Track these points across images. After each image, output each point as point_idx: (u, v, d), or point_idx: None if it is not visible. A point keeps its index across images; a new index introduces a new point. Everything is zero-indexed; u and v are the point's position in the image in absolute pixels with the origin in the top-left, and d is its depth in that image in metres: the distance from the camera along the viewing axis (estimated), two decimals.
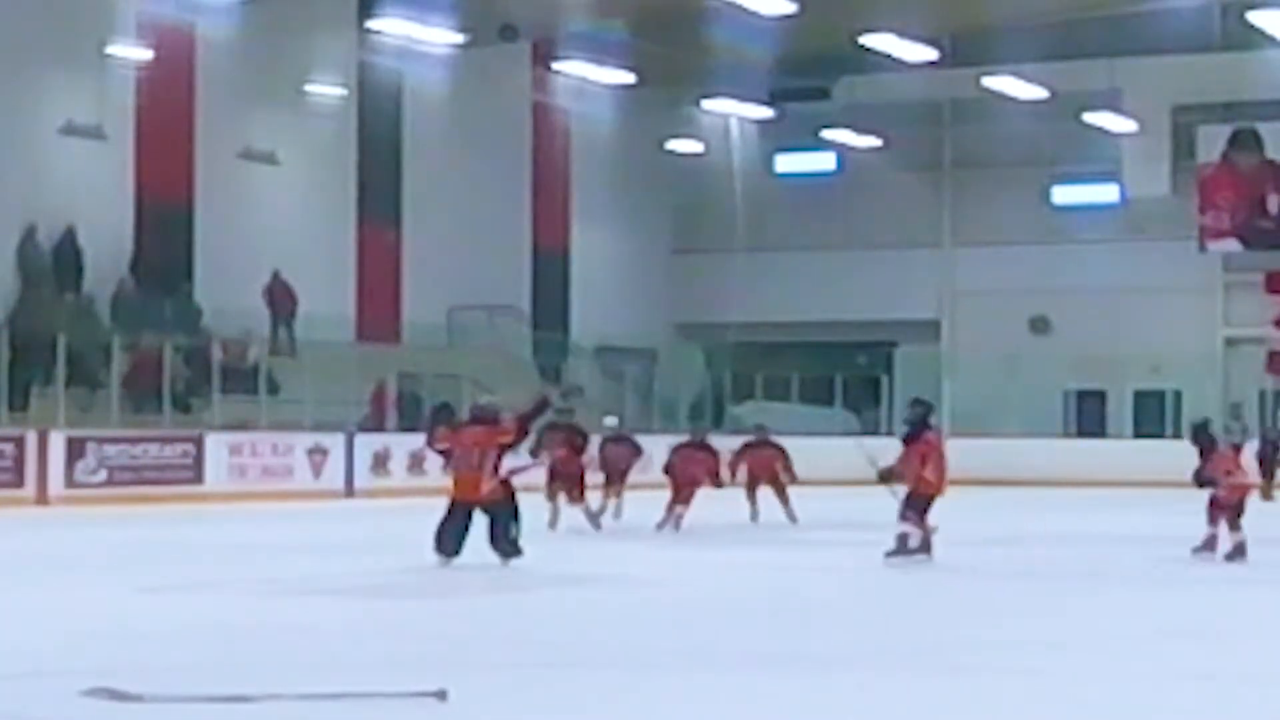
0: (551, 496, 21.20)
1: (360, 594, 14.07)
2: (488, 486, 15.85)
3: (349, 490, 29.69)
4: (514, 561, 15.94)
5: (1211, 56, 39.87)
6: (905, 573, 16.32)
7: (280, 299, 33.46)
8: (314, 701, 8.43)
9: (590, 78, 37.53)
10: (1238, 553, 16.97)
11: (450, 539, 15.87)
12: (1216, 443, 17.77)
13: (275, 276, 33.48)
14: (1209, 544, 17.27)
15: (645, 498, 22.19)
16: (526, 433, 17.25)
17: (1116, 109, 40.27)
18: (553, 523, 20.74)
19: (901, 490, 16.77)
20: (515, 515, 16.30)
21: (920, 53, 34.93)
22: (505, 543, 15.90)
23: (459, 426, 16.77)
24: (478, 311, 38.20)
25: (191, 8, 31.61)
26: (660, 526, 21.15)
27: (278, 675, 9.21)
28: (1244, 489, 17.46)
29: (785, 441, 24.30)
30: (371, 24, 33.24)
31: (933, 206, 45.21)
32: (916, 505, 16.70)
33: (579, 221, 42.59)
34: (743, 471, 23.61)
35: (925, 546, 16.75)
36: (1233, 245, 41.53)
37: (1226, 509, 17.14)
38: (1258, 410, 39.17)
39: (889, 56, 35.21)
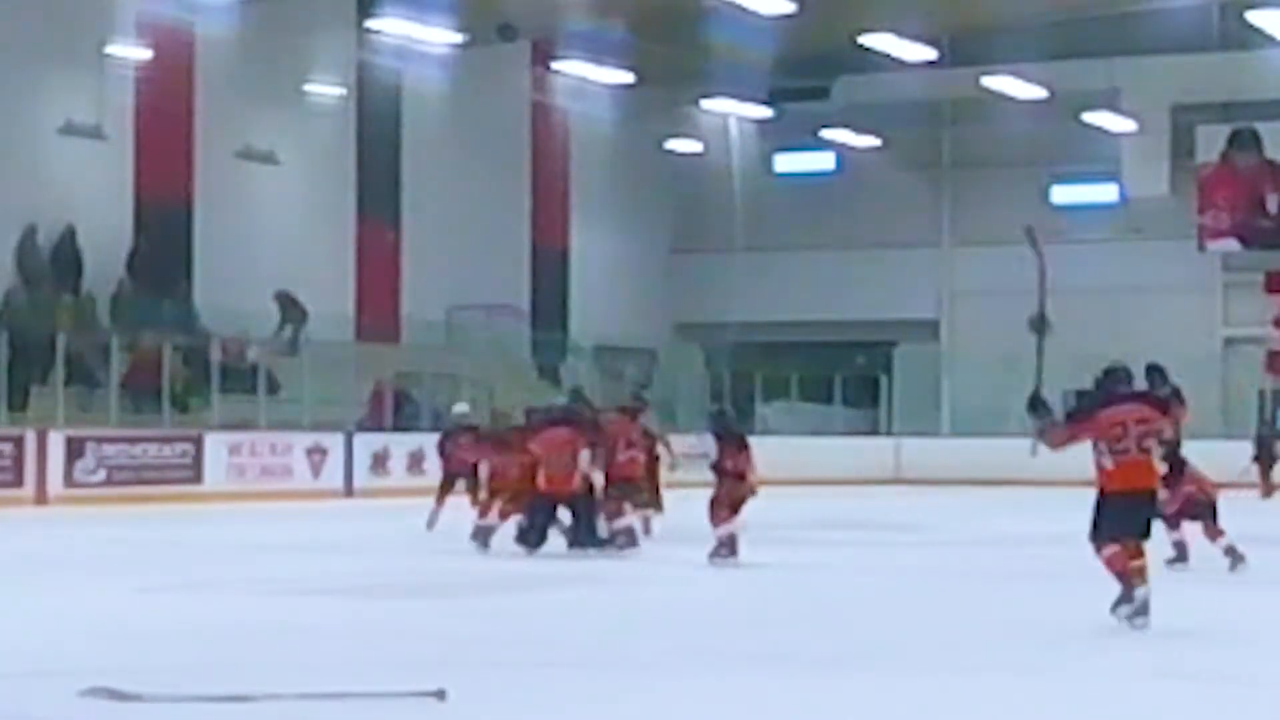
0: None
1: (360, 594, 14.07)
2: (576, 480, 16.87)
3: (348, 490, 29.70)
4: (527, 562, 16.18)
5: (1211, 56, 39.86)
6: (905, 573, 16.32)
7: (290, 312, 33.48)
8: (314, 701, 8.43)
9: (589, 77, 37.51)
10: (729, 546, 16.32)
11: (537, 532, 16.82)
12: (735, 435, 17.03)
13: (283, 297, 33.39)
14: (731, 545, 16.38)
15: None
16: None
17: (1115, 109, 40.27)
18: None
19: None
20: (594, 508, 17.16)
21: (919, 52, 34.94)
22: (586, 534, 16.96)
23: (539, 428, 17.62)
24: (477, 311, 38.19)
25: (191, 7, 31.60)
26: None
27: (278, 675, 9.21)
28: (747, 488, 16.61)
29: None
30: (371, 23, 33.24)
31: (932, 206, 45.22)
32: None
33: (578, 221, 42.60)
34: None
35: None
36: (1232, 245, 41.52)
37: (733, 505, 16.48)
38: (1256, 410, 39.19)
39: (888, 56, 35.23)
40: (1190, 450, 16.58)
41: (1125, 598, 11.64)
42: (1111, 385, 12.37)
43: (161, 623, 11.89)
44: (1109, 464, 11.71)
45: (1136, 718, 8.74)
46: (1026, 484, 34.57)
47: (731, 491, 16.53)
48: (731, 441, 16.80)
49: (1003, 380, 40.58)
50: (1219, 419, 39.01)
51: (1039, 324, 12.31)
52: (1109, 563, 11.72)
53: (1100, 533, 11.73)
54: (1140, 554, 11.67)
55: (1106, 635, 11.53)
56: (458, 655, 10.23)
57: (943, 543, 19.36)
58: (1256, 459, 32.63)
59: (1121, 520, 11.67)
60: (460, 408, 22.21)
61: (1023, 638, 11.51)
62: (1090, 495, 11.96)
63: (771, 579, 15.95)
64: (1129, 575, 11.59)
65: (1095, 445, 11.78)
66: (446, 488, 20.86)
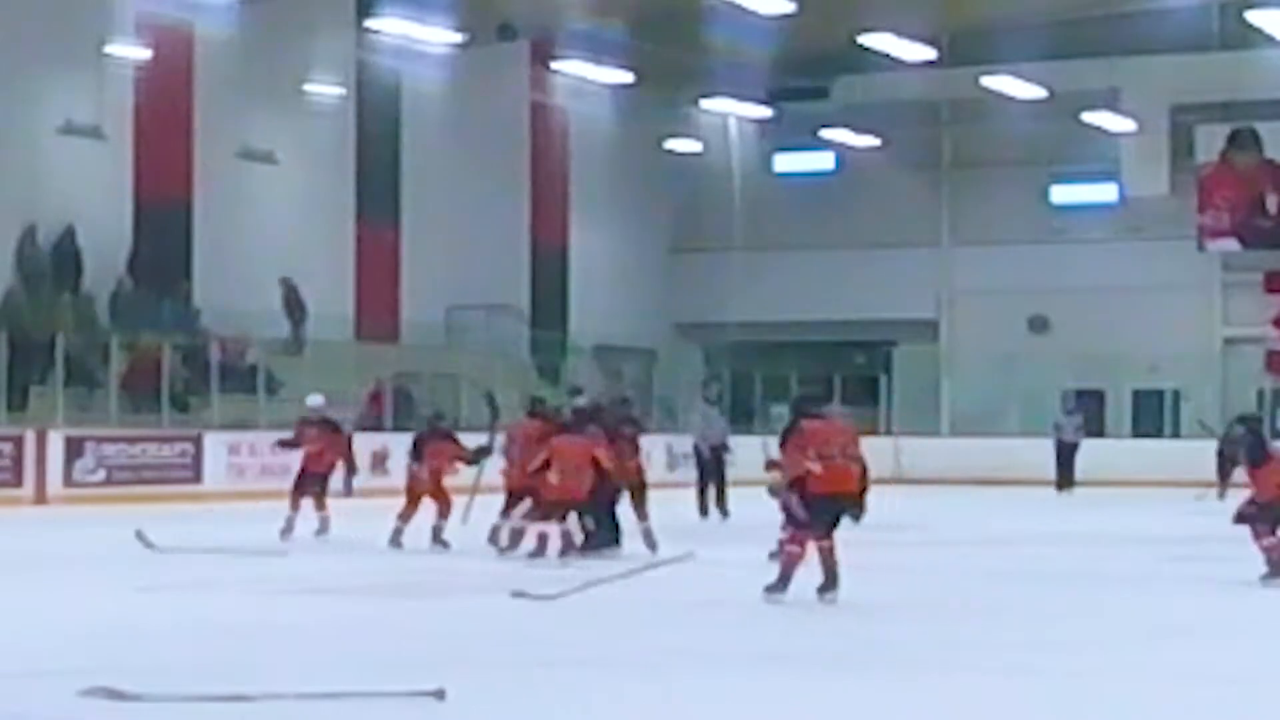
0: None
1: (360, 594, 14.08)
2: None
3: (348, 490, 29.61)
4: (526, 562, 16.29)
5: (1210, 56, 39.83)
6: (903, 573, 16.32)
7: (292, 306, 33.48)
8: (313, 701, 8.44)
9: (589, 77, 37.48)
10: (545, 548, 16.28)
11: (615, 527, 17.08)
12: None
13: (288, 284, 33.41)
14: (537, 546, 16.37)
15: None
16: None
17: (1115, 108, 40.25)
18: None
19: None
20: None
21: (918, 52, 34.90)
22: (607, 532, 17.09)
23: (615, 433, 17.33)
24: (476, 311, 38.16)
25: (190, 7, 31.59)
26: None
27: (277, 675, 9.22)
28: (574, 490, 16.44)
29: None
30: (370, 23, 33.23)
31: (931, 206, 45.19)
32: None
33: (577, 221, 42.58)
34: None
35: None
36: (1231, 245, 41.51)
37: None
38: (1255, 410, 39.19)
39: (887, 56, 35.19)
40: (1190, 450, 16.54)
41: (780, 586, 12.85)
42: (808, 408, 13.55)
43: (161, 623, 11.89)
44: (817, 468, 12.80)
45: (1136, 718, 8.75)
46: (1026, 484, 34.66)
47: (563, 494, 16.38)
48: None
49: (1002, 380, 40.70)
50: (1218, 419, 39.02)
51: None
52: (791, 556, 12.86)
53: (804, 527, 12.83)
54: (829, 539, 12.92)
55: (1105, 635, 11.54)
56: (458, 655, 10.23)
57: (943, 543, 19.35)
58: (1218, 458, 32.61)
59: (823, 517, 12.83)
60: (314, 399, 20.69)
61: (1022, 637, 11.51)
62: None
63: (772, 579, 15.91)
64: (795, 569, 12.84)
65: (805, 451, 12.83)
66: (300, 490, 19.81)
